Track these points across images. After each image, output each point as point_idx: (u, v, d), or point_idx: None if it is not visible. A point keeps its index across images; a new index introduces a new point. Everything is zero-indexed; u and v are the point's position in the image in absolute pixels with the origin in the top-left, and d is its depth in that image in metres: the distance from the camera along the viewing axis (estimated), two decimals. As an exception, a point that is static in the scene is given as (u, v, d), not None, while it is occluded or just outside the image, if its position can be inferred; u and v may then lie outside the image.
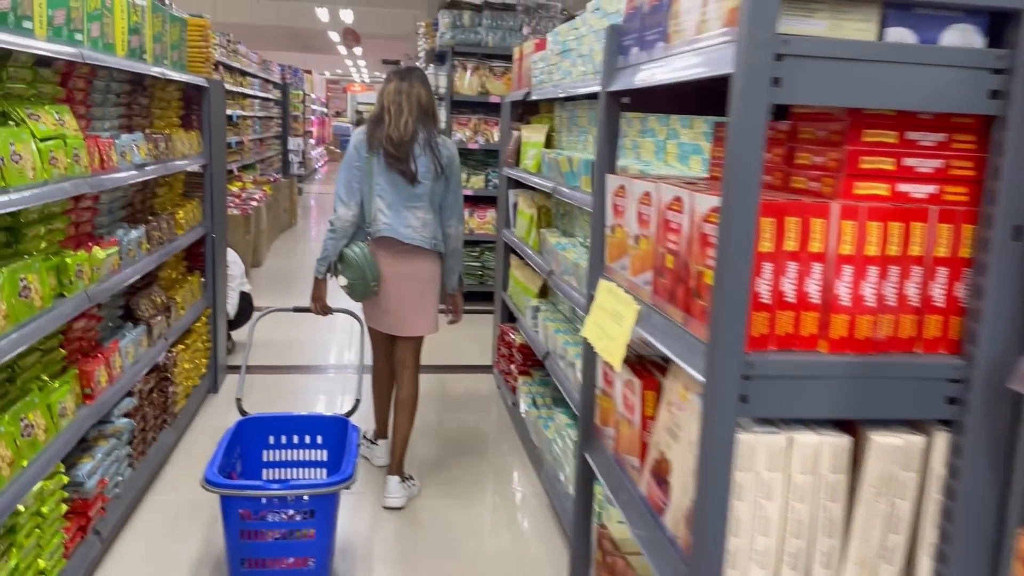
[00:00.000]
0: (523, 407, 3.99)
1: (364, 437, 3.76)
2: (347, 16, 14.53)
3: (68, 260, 2.51)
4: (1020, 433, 1.33)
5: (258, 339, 5.63)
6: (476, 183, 7.11)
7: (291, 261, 9.29)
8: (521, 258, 4.74)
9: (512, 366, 4.46)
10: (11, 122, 2.25)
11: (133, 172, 3.07)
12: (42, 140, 2.30)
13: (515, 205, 4.65)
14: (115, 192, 3.17)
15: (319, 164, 22.41)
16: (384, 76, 3.75)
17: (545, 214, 4.06)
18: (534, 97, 4.02)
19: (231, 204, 8.11)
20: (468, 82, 6.96)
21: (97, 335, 3.00)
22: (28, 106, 2.32)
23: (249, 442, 2.94)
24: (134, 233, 3.17)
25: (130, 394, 3.10)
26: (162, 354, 3.54)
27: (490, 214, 7.20)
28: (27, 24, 2.17)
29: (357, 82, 32.97)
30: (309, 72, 21.21)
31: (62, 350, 2.66)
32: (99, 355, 2.86)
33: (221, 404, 4.44)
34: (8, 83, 2.27)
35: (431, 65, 7.25)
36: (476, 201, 7.28)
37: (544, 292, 4.13)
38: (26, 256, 2.32)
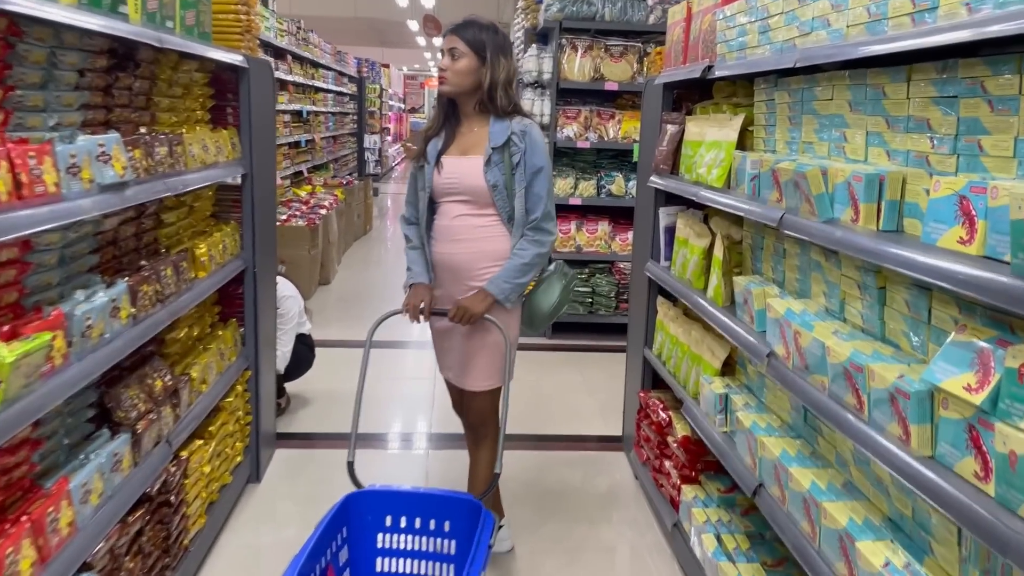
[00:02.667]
0: (700, 546, 2.61)
1: None
2: (427, 1, 13.38)
3: (-84, 384, 1.29)
4: None
5: (316, 391, 4.42)
6: (586, 190, 5.76)
7: (365, 275, 8.13)
8: (673, 300, 3.37)
9: (668, 463, 3.10)
10: None
11: (92, 199, 1.83)
12: None
13: (670, 229, 3.28)
14: (69, 232, 1.95)
15: (395, 162, 21.65)
16: (496, 35, 2.58)
17: (733, 250, 2.68)
18: (721, 73, 2.63)
19: (297, 213, 7.00)
20: (579, 66, 5.62)
21: (31, 470, 1.79)
22: None
23: (360, 522, 2.26)
24: (101, 297, 1.93)
25: (86, 567, 1.87)
26: (161, 468, 2.33)
27: (601, 227, 5.85)
28: None
29: (435, 77, 32.01)
30: (387, 66, 20.25)
31: (-64, 531, 1.45)
32: (23, 518, 1.64)
33: (264, 501, 3.21)
34: None
35: (532, 46, 5.92)
36: (584, 212, 5.99)
37: (729, 365, 2.75)
38: None
